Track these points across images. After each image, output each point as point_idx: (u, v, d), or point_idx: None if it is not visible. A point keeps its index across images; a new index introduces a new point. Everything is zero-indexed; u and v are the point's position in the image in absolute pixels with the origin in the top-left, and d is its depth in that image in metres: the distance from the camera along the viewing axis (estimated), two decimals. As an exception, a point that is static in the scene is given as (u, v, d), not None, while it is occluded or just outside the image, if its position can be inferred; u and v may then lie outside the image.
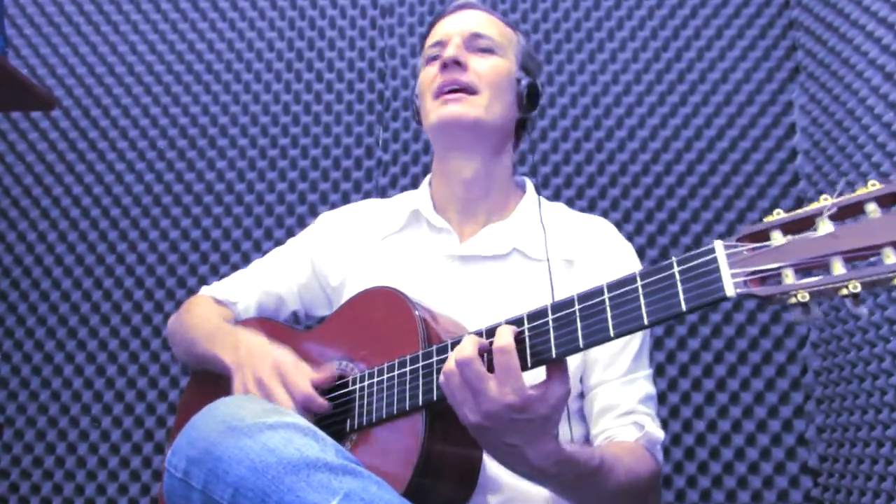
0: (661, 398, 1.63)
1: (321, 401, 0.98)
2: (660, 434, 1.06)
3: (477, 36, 1.19)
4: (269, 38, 1.94)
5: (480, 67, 1.16)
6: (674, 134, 1.77)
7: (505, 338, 0.81)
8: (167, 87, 1.94)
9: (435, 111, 1.16)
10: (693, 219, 1.73)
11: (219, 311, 1.25)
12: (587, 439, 1.11)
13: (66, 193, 1.90)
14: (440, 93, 1.16)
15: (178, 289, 1.83)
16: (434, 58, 1.21)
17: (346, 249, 1.25)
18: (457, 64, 1.15)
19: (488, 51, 1.19)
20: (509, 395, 0.79)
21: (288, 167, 1.87)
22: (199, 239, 1.85)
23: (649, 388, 1.11)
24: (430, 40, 1.24)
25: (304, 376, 0.99)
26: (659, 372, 1.65)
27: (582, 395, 1.13)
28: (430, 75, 1.20)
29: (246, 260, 1.72)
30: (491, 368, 0.81)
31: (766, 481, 1.59)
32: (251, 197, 1.86)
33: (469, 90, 1.15)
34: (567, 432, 1.08)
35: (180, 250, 1.85)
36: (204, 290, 1.33)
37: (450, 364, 0.83)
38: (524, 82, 1.20)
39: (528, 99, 1.20)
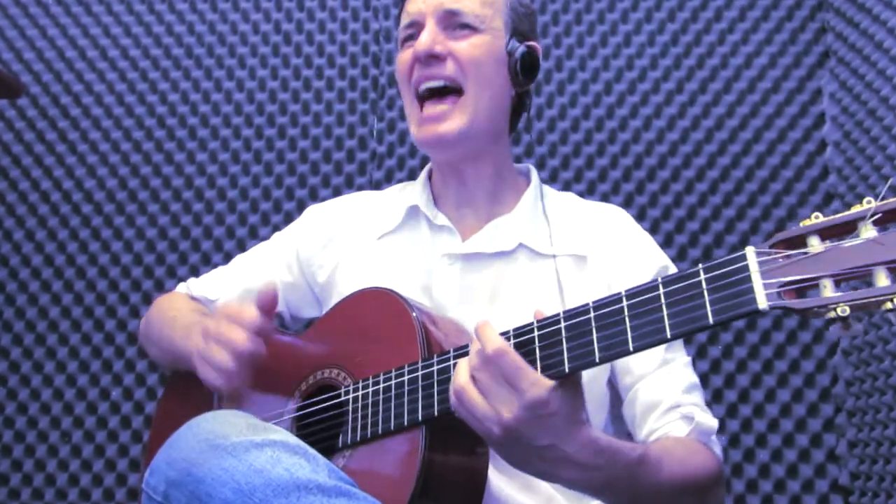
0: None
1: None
2: (712, 423, 1.03)
3: (452, 13, 1.12)
4: (255, 19, 1.92)
5: (461, 52, 1.11)
6: (693, 124, 1.76)
7: (493, 341, 0.79)
8: (143, 72, 1.92)
9: (415, 128, 1.14)
10: (714, 216, 1.71)
11: (195, 308, 1.23)
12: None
13: (34, 188, 1.88)
14: (420, 97, 1.12)
15: (156, 292, 1.80)
16: (409, 38, 1.16)
17: (336, 245, 1.23)
18: (433, 57, 1.10)
19: (468, 27, 1.12)
20: (531, 390, 0.77)
21: (275, 160, 1.85)
22: (177, 238, 1.83)
23: (691, 377, 1.08)
24: (404, 18, 1.18)
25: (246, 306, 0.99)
26: (677, 382, 1.64)
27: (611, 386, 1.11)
28: (405, 62, 1.15)
29: (228, 260, 1.69)
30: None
31: (794, 500, 1.58)
32: (234, 192, 1.84)
33: (451, 83, 1.11)
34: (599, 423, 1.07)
35: (157, 250, 1.83)
36: (180, 286, 1.32)
37: (462, 376, 0.82)
38: (518, 52, 1.14)
39: (524, 70, 1.15)
